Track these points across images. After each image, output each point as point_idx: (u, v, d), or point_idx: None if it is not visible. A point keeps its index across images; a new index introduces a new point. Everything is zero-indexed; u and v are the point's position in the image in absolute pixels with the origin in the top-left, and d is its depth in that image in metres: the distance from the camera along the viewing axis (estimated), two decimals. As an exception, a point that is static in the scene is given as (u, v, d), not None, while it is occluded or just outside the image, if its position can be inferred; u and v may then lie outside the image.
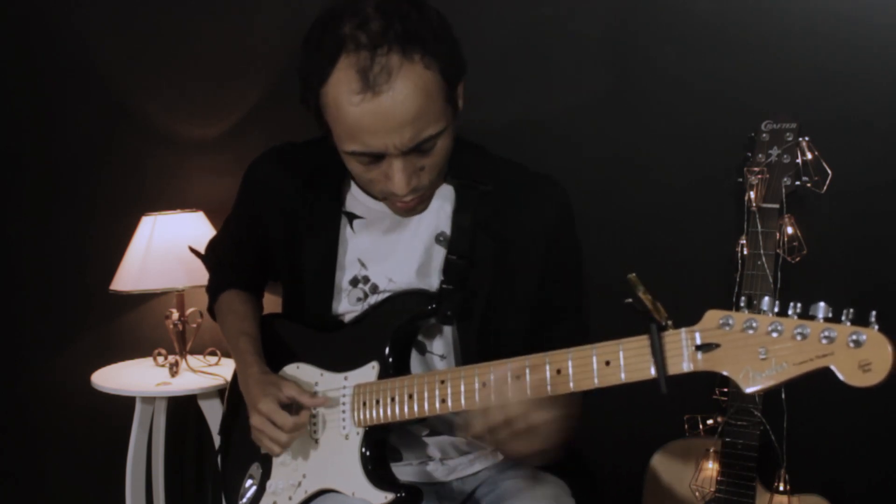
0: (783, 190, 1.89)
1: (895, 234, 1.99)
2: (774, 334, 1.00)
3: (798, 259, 1.93)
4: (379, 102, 1.19)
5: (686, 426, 2.02)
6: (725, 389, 1.93)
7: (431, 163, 1.30)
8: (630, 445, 1.91)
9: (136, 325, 2.72)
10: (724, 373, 1.04)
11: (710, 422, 1.99)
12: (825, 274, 1.99)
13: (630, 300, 1.08)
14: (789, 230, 1.93)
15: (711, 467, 1.93)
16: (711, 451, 1.94)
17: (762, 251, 1.88)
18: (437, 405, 1.27)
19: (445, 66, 1.24)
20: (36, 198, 2.80)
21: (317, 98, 1.26)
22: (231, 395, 1.63)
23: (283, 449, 1.36)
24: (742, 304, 1.05)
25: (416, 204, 1.35)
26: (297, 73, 1.30)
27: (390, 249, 1.43)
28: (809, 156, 1.90)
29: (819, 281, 1.99)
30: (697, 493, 1.93)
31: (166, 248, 2.36)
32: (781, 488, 1.89)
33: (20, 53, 2.75)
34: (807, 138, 1.91)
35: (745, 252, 1.91)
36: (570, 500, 1.42)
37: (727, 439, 1.90)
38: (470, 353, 1.39)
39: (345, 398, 1.38)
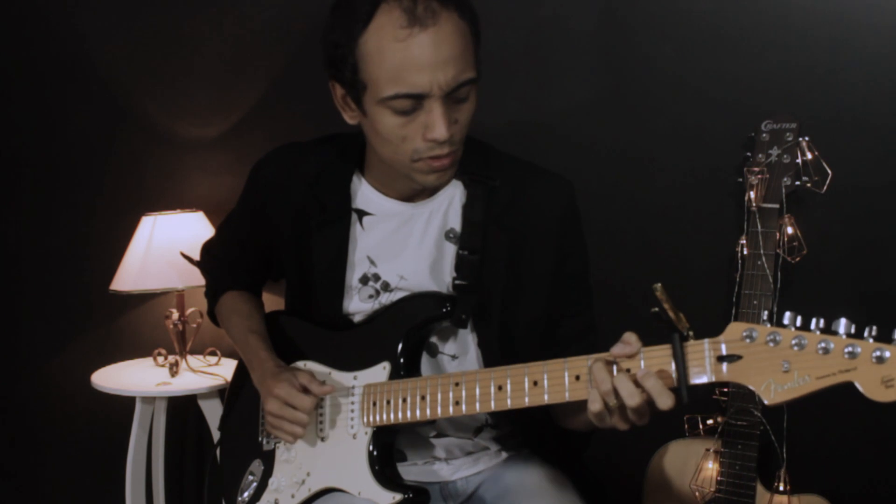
0: (783, 190, 1.89)
1: (895, 234, 1.99)
2: (797, 348, 1.01)
3: (798, 259, 1.93)
4: (426, 36, 1.23)
5: (686, 426, 2.02)
6: (726, 389, 1.93)
7: (463, 119, 1.30)
8: (630, 445, 1.91)
9: (136, 325, 2.71)
10: (747, 385, 1.04)
11: (710, 422, 1.99)
12: (825, 274, 1.99)
13: (656, 309, 1.09)
14: (789, 230, 1.93)
15: (711, 467, 1.94)
16: (711, 451, 1.94)
17: (762, 251, 1.88)
18: (451, 408, 1.27)
19: (474, 27, 1.29)
20: (36, 198, 2.80)
21: (354, 52, 1.27)
22: (231, 392, 1.63)
23: (302, 432, 1.35)
24: (764, 318, 1.06)
25: (450, 164, 1.32)
26: (323, 39, 1.31)
27: (400, 247, 1.43)
28: (809, 156, 1.90)
29: (819, 281, 1.98)
30: (697, 493, 1.93)
31: (166, 248, 2.36)
32: (781, 488, 1.90)
33: (20, 53, 2.74)
34: (807, 138, 1.91)
35: (745, 252, 1.91)
36: (574, 496, 1.42)
37: (727, 439, 1.90)
38: (490, 353, 1.39)
39: (354, 397, 1.38)
